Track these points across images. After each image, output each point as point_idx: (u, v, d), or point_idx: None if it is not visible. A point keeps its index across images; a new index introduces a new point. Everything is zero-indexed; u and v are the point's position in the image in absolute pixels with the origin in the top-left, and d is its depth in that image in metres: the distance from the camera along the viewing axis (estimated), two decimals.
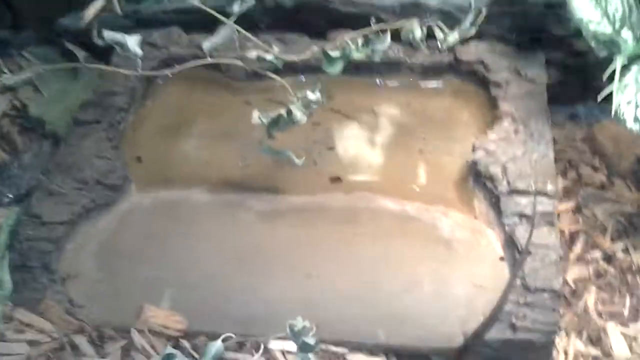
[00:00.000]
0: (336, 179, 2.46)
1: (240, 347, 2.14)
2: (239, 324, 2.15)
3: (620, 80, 2.19)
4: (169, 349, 1.79)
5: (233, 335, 2.05)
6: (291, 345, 2.02)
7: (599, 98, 2.19)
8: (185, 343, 2.13)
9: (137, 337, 2.12)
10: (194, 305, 2.17)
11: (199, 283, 2.20)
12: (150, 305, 2.16)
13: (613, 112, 2.17)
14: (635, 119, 2.15)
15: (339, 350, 2.14)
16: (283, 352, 2.11)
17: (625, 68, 2.20)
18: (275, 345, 2.13)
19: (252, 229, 2.30)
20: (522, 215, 2.25)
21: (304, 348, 1.68)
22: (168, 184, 2.42)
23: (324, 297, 2.17)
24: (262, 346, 2.10)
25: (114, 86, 2.56)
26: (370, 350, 2.14)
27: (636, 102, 2.16)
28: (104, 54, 2.53)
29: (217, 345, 1.72)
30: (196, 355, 2.09)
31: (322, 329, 2.13)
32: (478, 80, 2.68)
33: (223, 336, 1.77)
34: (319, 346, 1.68)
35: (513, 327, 2.07)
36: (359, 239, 2.26)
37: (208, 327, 2.16)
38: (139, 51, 2.29)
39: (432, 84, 2.72)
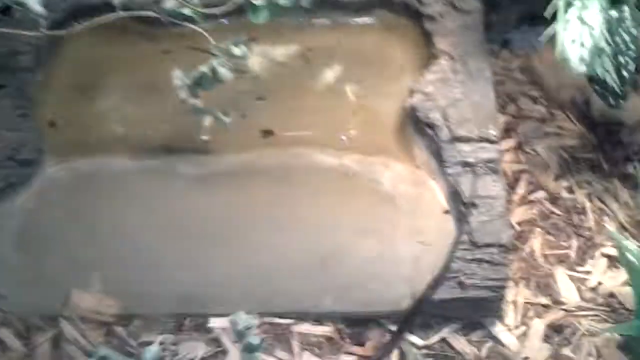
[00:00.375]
0: (268, 133, 2.31)
1: (178, 327, 2.03)
2: (176, 302, 2.04)
3: (562, 16, 2.06)
4: (102, 350, 1.66)
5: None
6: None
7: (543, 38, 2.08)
8: (120, 330, 2.00)
9: (66, 327, 1.99)
10: (126, 286, 2.04)
11: (130, 261, 2.06)
12: (78, 290, 2.02)
13: (556, 52, 2.05)
14: (581, 60, 2.03)
15: (284, 321, 2.05)
16: (225, 331, 2.00)
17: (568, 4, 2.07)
18: (217, 323, 2.02)
19: (183, 197, 2.15)
20: (465, 164, 2.15)
21: (248, 349, 1.56)
22: (87, 152, 2.23)
23: (264, 267, 2.06)
24: (202, 326, 2.02)
25: (16, 45, 2.32)
26: (316, 319, 2.06)
27: (581, 41, 2.04)
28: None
29: (152, 351, 1.59)
30: (133, 343, 1.97)
31: (264, 300, 2.05)
32: (411, 14, 2.52)
33: (159, 339, 1.62)
34: (263, 346, 1.57)
35: (462, 285, 2.01)
36: (297, 201, 2.14)
37: (143, 309, 2.04)
38: (40, 10, 2.05)
39: (364, 20, 2.55)
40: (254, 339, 1.56)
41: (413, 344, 2.03)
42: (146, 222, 2.12)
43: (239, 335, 1.57)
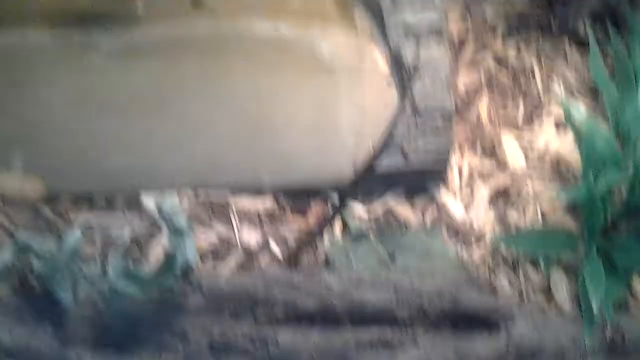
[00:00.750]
0: (197, 3, 2.13)
1: (109, 204, 1.93)
2: (104, 179, 1.94)
3: None
4: (23, 235, 1.57)
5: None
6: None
7: None
8: (47, 211, 1.90)
9: None
10: (51, 164, 1.93)
11: (54, 138, 1.94)
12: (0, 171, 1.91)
13: None
14: None
15: (222, 196, 1.96)
16: (155, 202, 1.91)
17: None
18: (149, 200, 1.93)
19: (105, 73, 1.99)
20: (407, 28, 2.03)
21: (175, 232, 1.48)
22: (0, 25, 2.05)
23: (197, 141, 1.95)
24: (135, 203, 1.93)
25: None
26: (256, 193, 1.98)
27: None
28: None
29: (74, 234, 1.50)
30: (61, 223, 1.88)
31: (200, 174, 1.96)
32: None
33: (79, 221, 1.53)
34: (192, 227, 1.49)
35: (405, 154, 1.93)
36: (230, 73, 2.00)
37: (71, 187, 1.94)
38: None
39: None
40: (181, 222, 1.48)
41: (355, 214, 1.98)
42: (69, 99, 1.97)
43: (165, 219, 1.48)
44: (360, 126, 1.96)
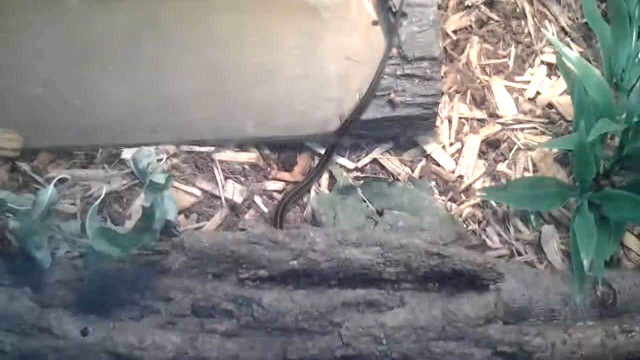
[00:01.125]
0: None
1: (89, 160, 1.87)
2: (83, 133, 1.87)
3: None
4: None
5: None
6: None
7: None
8: (24, 165, 1.84)
9: None
10: (28, 118, 1.86)
11: (30, 89, 1.87)
12: None
13: None
14: None
15: (204, 149, 1.91)
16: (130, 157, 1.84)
17: None
18: (130, 154, 1.86)
19: (82, 17, 1.91)
20: None
21: (152, 187, 1.42)
22: None
23: (178, 91, 1.89)
24: (115, 158, 1.88)
25: None
26: (239, 145, 1.92)
27: None
28: None
29: (49, 191, 1.44)
30: (39, 179, 1.82)
31: (181, 129, 1.90)
32: None
33: (57, 177, 1.47)
34: (170, 183, 1.44)
35: (392, 104, 1.87)
36: (210, 16, 1.93)
37: (48, 141, 1.88)
38: None
39: None
40: (158, 177, 1.42)
41: (343, 167, 1.93)
42: (45, 47, 1.89)
43: (142, 173, 1.43)
44: (346, 73, 1.89)
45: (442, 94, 1.96)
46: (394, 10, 1.90)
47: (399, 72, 1.88)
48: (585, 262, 1.64)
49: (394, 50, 1.89)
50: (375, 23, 1.94)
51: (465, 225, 1.84)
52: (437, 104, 1.88)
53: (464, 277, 1.57)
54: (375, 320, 1.50)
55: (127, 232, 1.45)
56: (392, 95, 1.86)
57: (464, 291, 1.57)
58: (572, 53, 1.92)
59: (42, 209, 1.45)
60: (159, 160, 1.48)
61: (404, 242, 1.59)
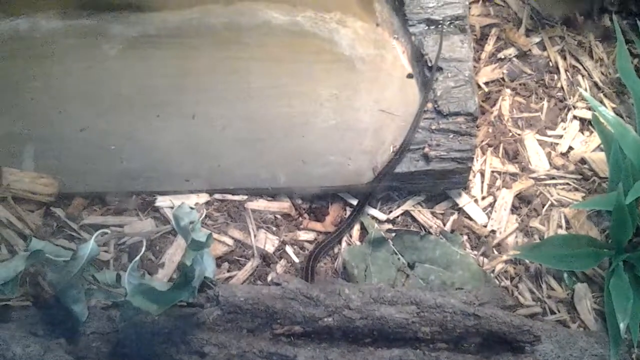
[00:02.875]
0: None
1: (123, 207, 1.88)
2: (118, 180, 1.89)
3: None
4: (35, 242, 1.51)
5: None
6: (183, 200, 1.78)
7: None
8: (59, 211, 1.85)
9: None
10: (63, 163, 1.87)
11: (66, 135, 1.88)
12: (10, 168, 1.85)
13: None
14: None
15: (237, 198, 1.91)
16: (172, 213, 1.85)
17: None
18: (164, 201, 1.88)
19: (120, 64, 1.93)
20: (430, 22, 1.96)
21: (193, 246, 1.43)
22: (9, 9, 1.96)
23: (213, 140, 1.89)
24: (149, 205, 1.88)
25: None
26: (272, 195, 1.93)
27: None
28: None
29: (89, 246, 1.45)
30: (74, 226, 1.83)
31: (215, 177, 1.90)
32: None
33: (96, 234, 1.47)
34: (211, 241, 1.44)
35: (426, 158, 1.88)
36: (247, 66, 1.93)
37: (83, 187, 1.89)
38: None
39: None
40: (201, 235, 1.42)
41: (374, 218, 1.93)
42: (81, 92, 1.91)
43: (183, 230, 1.43)
44: (380, 125, 1.90)
45: (475, 149, 1.96)
46: (429, 64, 1.91)
47: (433, 127, 1.88)
48: (622, 325, 1.63)
49: (429, 105, 1.89)
50: (410, 76, 1.95)
51: (497, 282, 1.83)
52: (471, 159, 1.88)
53: (501, 338, 1.56)
54: None
55: (166, 290, 1.44)
56: (427, 149, 1.87)
57: (501, 353, 1.56)
58: (608, 112, 1.92)
59: (82, 264, 1.45)
60: (198, 215, 1.47)
61: (440, 301, 1.58)
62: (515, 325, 1.55)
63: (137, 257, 1.48)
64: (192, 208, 1.47)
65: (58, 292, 1.50)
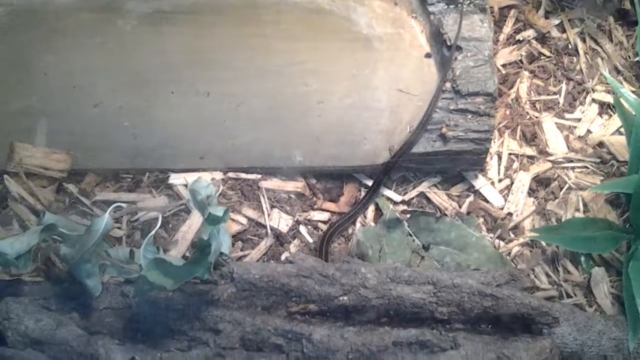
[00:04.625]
0: None
1: (136, 184, 1.86)
2: (131, 156, 1.87)
3: None
4: (48, 216, 1.50)
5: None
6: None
7: None
8: (72, 187, 1.83)
9: (11, 184, 1.81)
10: (76, 139, 1.86)
11: (79, 111, 1.87)
12: (23, 143, 1.83)
13: None
14: None
15: (251, 177, 1.89)
16: (187, 187, 1.84)
17: None
18: (177, 179, 1.86)
19: (135, 40, 1.91)
20: (449, 0, 1.93)
21: (210, 221, 1.41)
22: None
23: (228, 118, 1.87)
24: (162, 182, 1.86)
25: None
26: (286, 174, 1.91)
27: None
28: None
29: (104, 220, 1.43)
30: (86, 202, 1.81)
31: (229, 155, 1.88)
32: None
33: (111, 207, 1.45)
34: (228, 216, 1.42)
35: (443, 138, 1.85)
36: (264, 44, 1.91)
37: (96, 163, 1.87)
38: None
39: None
40: (217, 210, 1.40)
41: (389, 199, 1.91)
42: (94, 68, 1.89)
43: (200, 206, 1.41)
44: (397, 105, 1.88)
45: (494, 130, 1.93)
46: (448, 43, 1.88)
47: (451, 107, 1.86)
48: None
49: (447, 84, 1.86)
50: (428, 55, 1.92)
51: (513, 265, 1.80)
52: (489, 140, 1.85)
53: (518, 320, 1.54)
54: None
55: (182, 265, 1.43)
56: (445, 129, 1.84)
57: (518, 335, 1.54)
58: (630, 94, 1.89)
59: (97, 238, 1.43)
60: (215, 191, 1.45)
61: (457, 281, 1.56)
62: (534, 307, 1.53)
63: (153, 232, 1.46)
64: (209, 182, 1.44)
65: (71, 266, 1.48)
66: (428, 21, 1.94)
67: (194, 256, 1.44)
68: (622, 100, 1.87)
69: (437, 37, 1.92)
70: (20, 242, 1.46)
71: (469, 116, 1.85)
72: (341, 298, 1.55)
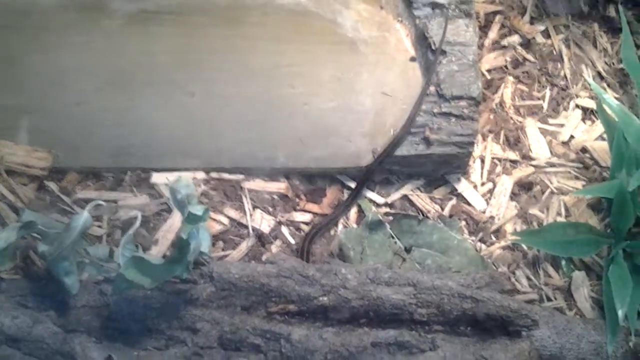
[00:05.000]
0: None
1: (117, 183, 1.86)
2: (113, 155, 1.86)
3: None
4: (28, 214, 1.49)
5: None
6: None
7: None
8: (52, 185, 1.83)
9: None
10: (58, 137, 1.85)
11: (62, 109, 1.86)
12: (4, 141, 1.82)
13: None
14: None
15: (234, 177, 1.89)
16: (169, 186, 1.83)
17: None
18: (159, 178, 1.86)
19: (120, 39, 1.90)
20: (435, 5, 1.94)
21: (190, 220, 1.40)
22: None
23: (211, 119, 1.87)
24: (144, 181, 1.86)
25: None
26: (269, 175, 1.90)
27: None
28: None
29: (83, 218, 1.42)
30: (67, 200, 1.80)
31: (212, 155, 1.88)
32: None
33: (89, 205, 1.45)
34: (208, 215, 1.41)
35: (427, 141, 1.86)
36: (249, 45, 1.91)
37: (78, 162, 1.86)
38: None
39: None
40: (197, 209, 1.40)
41: (372, 202, 1.91)
42: (79, 67, 1.88)
43: (180, 204, 1.40)
44: (381, 108, 1.88)
45: (477, 134, 1.93)
46: (433, 47, 1.89)
47: (435, 110, 1.86)
48: (620, 313, 1.62)
49: (432, 88, 1.87)
50: (413, 59, 1.92)
51: (494, 267, 1.81)
52: (472, 143, 1.86)
53: (497, 322, 1.54)
54: None
55: (161, 263, 1.42)
56: (428, 132, 1.84)
57: (497, 337, 1.54)
58: (613, 100, 1.90)
59: (75, 235, 1.43)
60: (195, 190, 1.44)
61: (437, 283, 1.56)
62: (513, 309, 1.53)
63: (132, 230, 1.46)
64: (189, 182, 1.44)
65: (49, 263, 1.48)
66: (413, 25, 1.95)
67: (173, 255, 1.44)
68: (604, 106, 1.88)
69: (422, 41, 1.93)
70: None
71: (453, 120, 1.85)
72: (321, 298, 1.55)
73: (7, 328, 1.47)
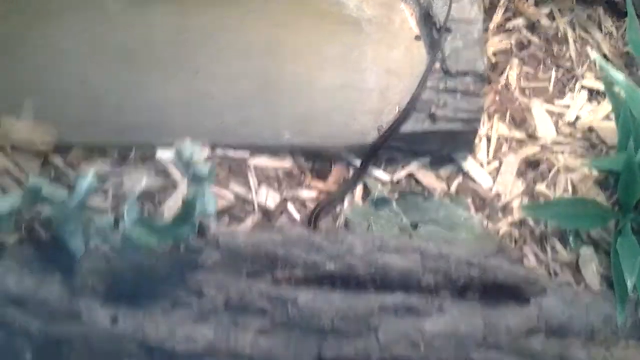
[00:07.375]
0: None
1: (123, 159, 1.85)
2: (118, 131, 1.85)
3: None
4: (33, 179, 1.49)
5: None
6: None
7: None
8: (58, 159, 1.82)
9: None
10: (63, 113, 1.84)
11: (66, 87, 1.85)
12: (9, 117, 1.82)
13: None
14: None
15: (239, 154, 1.88)
16: (175, 163, 1.82)
17: None
18: (164, 154, 1.85)
19: (123, 20, 1.91)
20: None
21: (195, 180, 1.39)
22: None
23: (216, 96, 1.87)
24: (149, 157, 1.85)
25: None
26: (274, 152, 1.90)
27: None
28: None
29: (88, 179, 1.41)
30: (71, 174, 1.80)
31: (217, 132, 1.87)
32: None
33: (92, 171, 1.44)
34: (214, 176, 1.41)
35: (432, 117, 1.85)
36: (252, 24, 1.91)
37: (82, 138, 1.85)
38: None
39: None
40: (202, 169, 1.39)
41: (378, 179, 1.90)
42: (82, 45, 1.88)
43: (185, 165, 1.40)
44: (386, 85, 1.88)
45: (483, 111, 1.93)
46: (438, 26, 1.89)
47: (441, 86, 1.86)
48: (629, 283, 1.60)
49: (437, 65, 1.87)
50: (418, 38, 1.93)
51: (501, 243, 1.79)
52: (478, 120, 1.86)
53: (505, 289, 1.53)
54: (414, 326, 1.45)
55: (166, 223, 1.41)
56: (434, 108, 1.84)
57: (505, 303, 1.53)
58: (620, 76, 1.89)
59: (80, 197, 1.42)
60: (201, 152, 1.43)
61: (445, 251, 1.55)
62: (521, 276, 1.52)
63: (137, 192, 1.45)
64: (195, 144, 1.43)
65: (55, 226, 1.47)
66: (418, 4, 1.96)
67: (179, 215, 1.43)
68: (612, 84, 1.88)
69: (426, 19, 1.93)
70: (3, 201, 1.44)
71: (458, 96, 1.85)
72: (327, 265, 1.53)
73: (12, 291, 1.46)
